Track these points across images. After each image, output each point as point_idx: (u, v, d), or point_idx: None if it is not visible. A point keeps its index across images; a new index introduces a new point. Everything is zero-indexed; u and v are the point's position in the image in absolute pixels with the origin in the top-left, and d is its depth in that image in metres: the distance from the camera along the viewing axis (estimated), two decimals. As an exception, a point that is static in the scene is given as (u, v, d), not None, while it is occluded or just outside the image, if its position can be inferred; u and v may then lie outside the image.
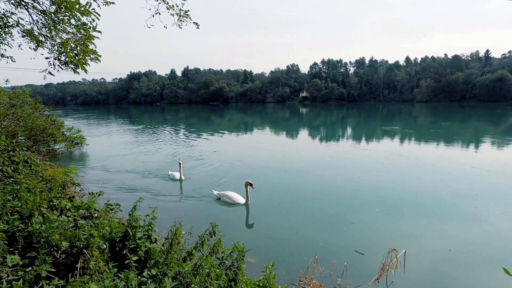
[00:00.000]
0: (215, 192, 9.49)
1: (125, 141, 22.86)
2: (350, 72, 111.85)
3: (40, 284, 2.96)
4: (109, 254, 3.64)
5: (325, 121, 41.56)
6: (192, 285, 2.90)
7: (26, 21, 6.07)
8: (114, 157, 16.30)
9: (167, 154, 16.96)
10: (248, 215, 8.33)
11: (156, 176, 12.12)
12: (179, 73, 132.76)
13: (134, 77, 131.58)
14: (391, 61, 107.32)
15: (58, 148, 16.66)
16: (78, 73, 6.04)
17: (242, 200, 8.91)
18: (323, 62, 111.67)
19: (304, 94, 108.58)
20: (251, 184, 8.69)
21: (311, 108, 74.05)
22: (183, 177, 11.18)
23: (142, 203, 4.55)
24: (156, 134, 27.77)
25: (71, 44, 5.81)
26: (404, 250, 5.40)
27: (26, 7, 5.85)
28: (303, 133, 28.63)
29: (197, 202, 9.28)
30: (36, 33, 6.02)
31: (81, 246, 3.43)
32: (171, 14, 6.07)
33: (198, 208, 8.79)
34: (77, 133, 18.01)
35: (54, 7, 5.62)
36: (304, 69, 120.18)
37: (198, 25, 6.27)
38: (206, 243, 3.86)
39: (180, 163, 11.30)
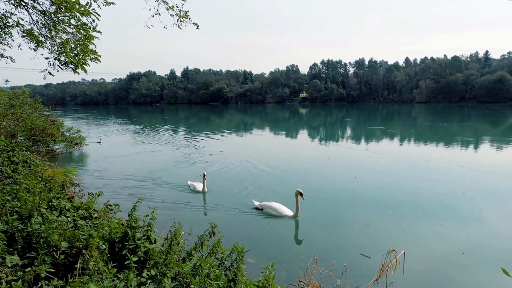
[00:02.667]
0: (256, 203, 8.54)
1: (125, 141, 22.85)
2: (350, 72, 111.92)
3: (40, 285, 2.96)
4: (108, 255, 3.63)
5: (324, 122, 41.63)
6: (192, 286, 2.90)
7: (26, 21, 6.07)
8: (114, 158, 16.29)
9: (169, 155, 16.93)
10: (298, 229, 7.36)
11: (155, 178, 11.98)
12: (178, 74, 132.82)
13: (133, 78, 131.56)
14: (390, 62, 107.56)
15: (57, 148, 16.65)
16: (78, 73, 6.04)
17: (289, 212, 7.94)
18: (322, 62, 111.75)
19: (303, 94, 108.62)
20: (301, 194, 7.72)
21: (311, 108, 74.10)
22: (206, 189, 9.94)
23: (142, 203, 4.55)
24: (156, 134, 27.77)
25: (71, 44, 5.80)
26: (403, 251, 5.41)
27: (26, 7, 5.85)
28: (303, 134, 28.64)
29: (230, 214, 8.32)
30: (36, 33, 6.02)
31: (81, 246, 3.43)
32: (171, 14, 6.08)
33: (236, 221, 7.85)
34: (77, 133, 18.01)
35: (54, 7, 5.62)
36: (304, 69, 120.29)
37: (198, 26, 6.27)
38: (206, 244, 3.86)
39: (204, 174, 9.98)
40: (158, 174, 12.43)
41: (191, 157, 16.00)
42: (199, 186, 10.19)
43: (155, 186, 10.82)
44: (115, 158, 16.11)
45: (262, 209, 8.36)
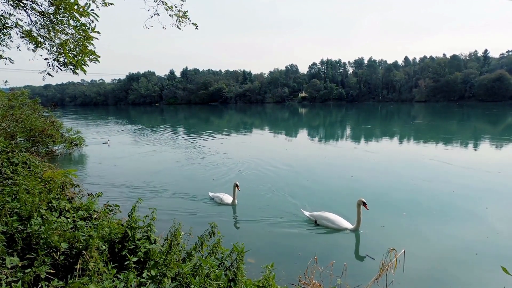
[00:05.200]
0: (307, 214, 7.75)
1: (125, 141, 22.84)
2: (349, 72, 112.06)
3: (40, 286, 2.95)
4: (108, 255, 3.63)
5: (324, 122, 41.65)
6: (192, 286, 2.90)
7: (25, 22, 6.06)
8: (114, 159, 16.28)
9: (173, 156, 16.87)
10: (359, 244, 6.62)
11: (157, 181, 11.76)
12: (178, 74, 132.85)
13: (133, 78, 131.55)
14: (389, 61, 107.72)
15: (57, 149, 16.63)
16: (77, 74, 6.03)
17: (347, 224, 7.15)
18: (322, 62, 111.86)
19: (303, 94, 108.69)
20: (364, 204, 6.88)
21: (310, 108, 74.13)
22: (236, 202, 8.81)
23: (141, 203, 4.55)
24: (157, 134, 27.76)
25: (70, 45, 5.80)
26: (403, 250, 5.41)
27: (25, 8, 5.84)
28: (303, 134, 28.65)
29: (276, 228, 7.38)
30: (35, 34, 6.01)
31: (80, 247, 3.43)
32: (170, 15, 6.07)
33: (287, 236, 6.96)
34: (76, 134, 18.01)
35: (52, 8, 5.62)
36: (303, 69, 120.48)
37: (197, 26, 6.27)
38: (206, 244, 3.86)
39: (236, 185, 8.68)
40: (162, 178, 12.40)
41: (195, 158, 15.95)
42: (226, 198, 8.96)
43: (168, 196, 9.95)
44: (115, 159, 16.10)
45: (315, 221, 7.47)
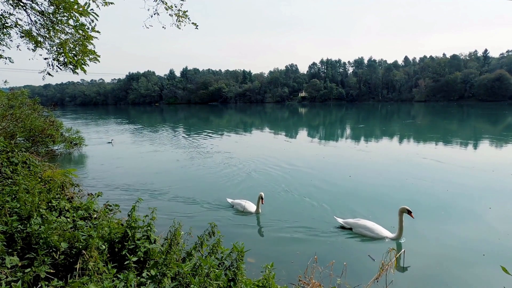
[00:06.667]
0: (341, 221, 7.30)
1: (125, 142, 22.83)
2: (349, 72, 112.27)
3: (39, 285, 2.95)
4: (108, 255, 3.63)
5: (324, 122, 41.66)
6: (192, 286, 2.90)
7: (25, 22, 6.06)
8: (114, 158, 16.28)
9: (172, 156, 16.89)
10: (402, 258, 5.83)
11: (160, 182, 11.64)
12: (178, 74, 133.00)
13: (132, 78, 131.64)
14: (389, 61, 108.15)
15: (57, 149, 16.63)
16: (77, 73, 6.03)
17: (387, 233, 6.73)
18: (321, 62, 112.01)
19: (303, 94, 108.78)
20: (409, 212, 6.41)
21: (310, 108, 74.14)
22: (260, 210, 8.28)
23: (141, 203, 4.55)
24: (158, 134, 27.76)
25: (70, 44, 5.80)
26: (403, 249, 5.42)
27: (24, 8, 5.84)
28: (303, 133, 28.66)
29: (309, 237, 6.84)
30: (35, 34, 6.01)
31: (80, 247, 3.43)
32: (169, 14, 6.07)
33: (323, 245, 6.47)
34: (76, 133, 18.00)
35: (52, 7, 5.62)
36: (303, 69, 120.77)
37: (197, 26, 6.27)
38: (206, 244, 3.86)
39: (261, 198, 8.06)
40: (163, 178, 12.39)
41: (198, 158, 15.95)
42: (249, 205, 8.37)
43: (168, 198, 9.48)
44: (115, 159, 16.09)
45: (350, 229, 7.02)
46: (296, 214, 8.11)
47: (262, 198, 8.05)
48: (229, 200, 8.82)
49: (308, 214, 8.15)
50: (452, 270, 5.48)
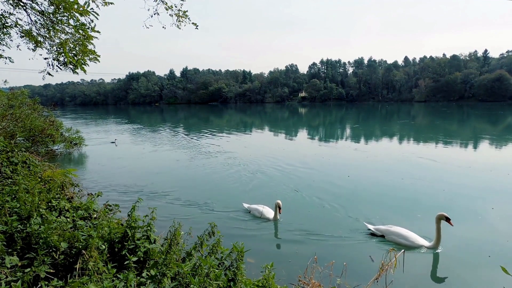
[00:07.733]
0: (372, 227, 6.90)
1: (125, 141, 22.83)
2: (349, 72, 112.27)
3: (39, 285, 2.95)
4: (108, 255, 3.63)
5: (324, 122, 41.67)
6: (191, 286, 2.90)
7: (25, 22, 6.06)
8: (114, 158, 16.27)
9: (173, 156, 16.86)
10: (437, 266, 5.75)
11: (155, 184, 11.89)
12: (178, 74, 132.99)
13: (132, 78, 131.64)
14: (389, 61, 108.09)
15: (56, 149, 16.62)
16: (77, 73, 6.03)
17: (423, 241, 6.31)
18: (321, 62, 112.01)
19: (303, 94, 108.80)
20: (447, 219, 6.10)
21: (310, 108, 74.14)
22: (278, 217, 7.67)
23: (141, 203, 4.55)
24: (158, 134, 27.76)
25: (70, 44, 5.80)
26: (403, 250, 5.42)
27: (24, 8, 5.84)
28: (303, 133, 28.67)
29: (342, 245, 6.51)
30: (35, 34, 6.01)
31: (80, 247, 3.43)
32: (170, 14, 6.08)
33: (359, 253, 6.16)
34: (76, 133, 18.00)
35: (52, 7, 5.62)
36: (303, 69, 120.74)
37: (197, 26, 6.28)
38: (205, 244, 3.86)
39: (279, 207, 7.55)
40: (164, 178, 12.38)
41: (200, 158, 15.95)
42: (267, 211, 7.85)
43: (168, 200, 9.27)
44: (116, 159, 16.09)
45: (382, 236, 6.61)
46: (296, 214, 8.09)
47: (279, 208, 7.53)
48: (245, 205, 8.33)
49: (311, 214, 8.14)
50: (455, 271, 5.48)
